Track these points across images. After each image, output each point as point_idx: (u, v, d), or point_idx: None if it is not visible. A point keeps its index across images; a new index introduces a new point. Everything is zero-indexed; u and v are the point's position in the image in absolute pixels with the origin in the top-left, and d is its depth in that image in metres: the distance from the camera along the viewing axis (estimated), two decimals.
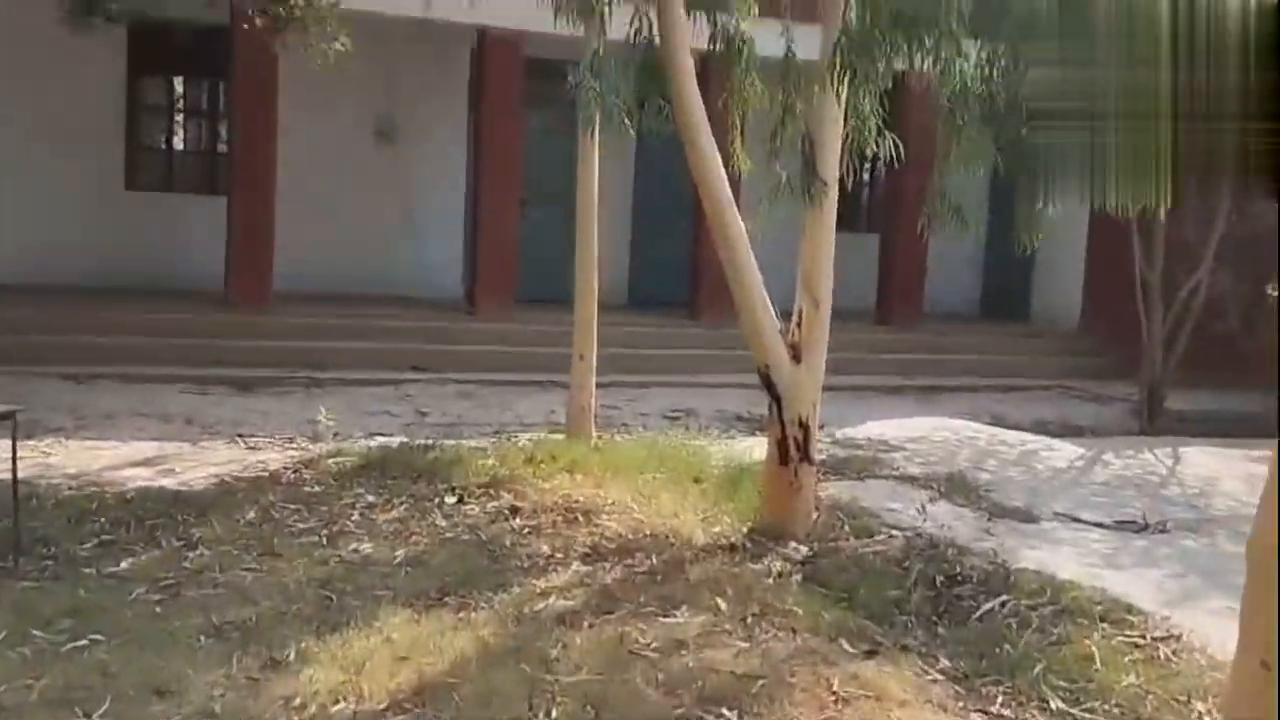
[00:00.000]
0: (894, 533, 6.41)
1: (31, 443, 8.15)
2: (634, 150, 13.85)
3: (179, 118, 13.78)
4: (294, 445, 8.53)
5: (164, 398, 9.81)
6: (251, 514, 6.18)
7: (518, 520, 6.31)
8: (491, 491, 6.79)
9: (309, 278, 12.79)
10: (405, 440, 8.59)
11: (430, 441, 8.39)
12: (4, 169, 11.97)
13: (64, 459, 7.70)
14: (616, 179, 13.32)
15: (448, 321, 12.25)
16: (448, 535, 5.95)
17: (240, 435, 8.79)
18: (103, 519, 5.98)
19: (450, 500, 6.64)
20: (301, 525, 6.04)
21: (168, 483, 6.98)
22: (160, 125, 13.62)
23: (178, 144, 13.78)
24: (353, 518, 6.22)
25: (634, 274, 14.52)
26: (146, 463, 7.56)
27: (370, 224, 13.48)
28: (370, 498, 6.58)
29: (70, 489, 6.60)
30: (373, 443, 8.64)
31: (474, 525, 6.17)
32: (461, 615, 4.76)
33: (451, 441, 8.75)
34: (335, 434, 8.84)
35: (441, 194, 13.69)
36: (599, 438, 8.58)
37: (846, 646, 4.68)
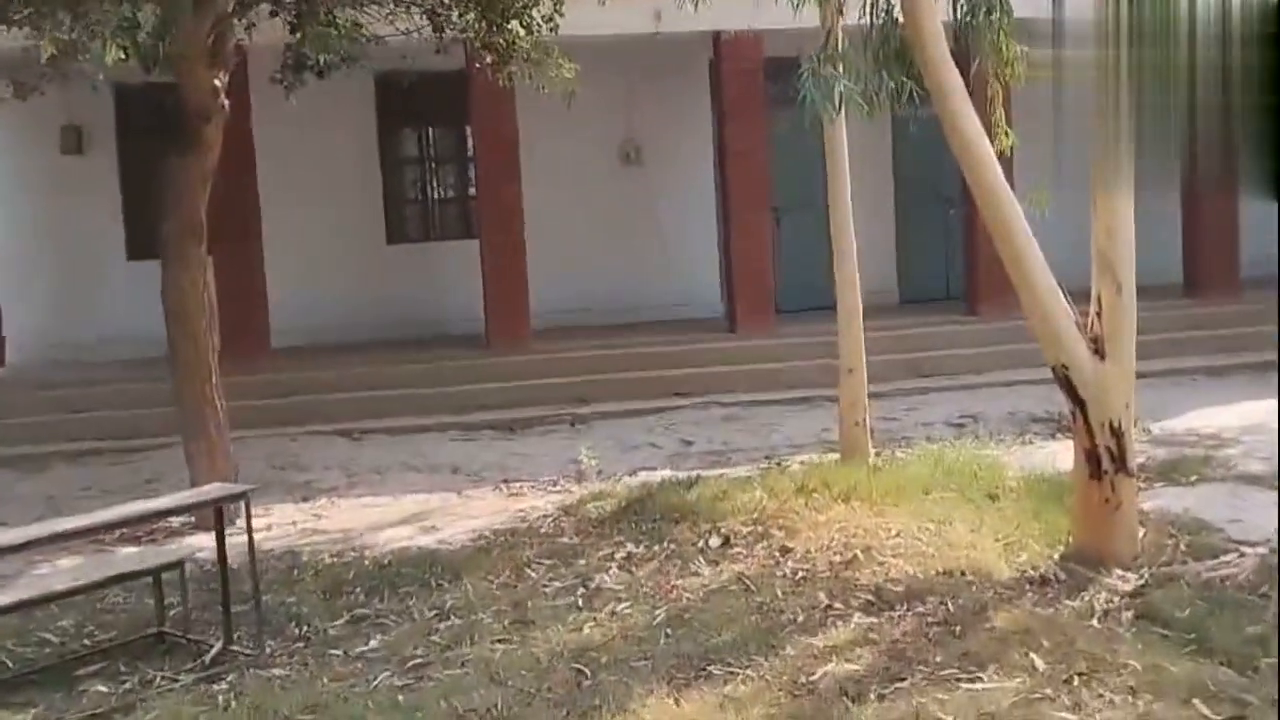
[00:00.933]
0: (1244, 550, 5.35)
1: (307, 505, 8.21)
2: (889, 140, 12.99)
3: (429, 166, 13.96)
4: (556, 487, 8.21)
5: (433, 447, 9.75)
6: (506, 573, 5.82)
7: (789, 564, 5.67)
8: (760, 530, 6.17)
9: (565, 311, 12.61)
10: (668, 475, 8.11)
11: (694, 475, 7.87)
12: (276, 236, 12.38)
13: (333, 520, 7.66)
14: (873, 173, 12.48)
15: (707, 342, 11.75)
16: (712, 587, 5.37)
17: (504, 481, 8.56)
18: (358, 589, 5.76)
19: (715, 543, 6.07)
20: (558, 584, 5.61)
21: (427, 541, 6.76)
22: (413, 176, 13.85)
23: (430, 193, 13.97)
24: (610, 571, 5.74)
25: (902, 271, 13.56)
26: (410, 520, 7.40)
27: (622, 249, 13.19)
28: (630, 546, 6.09)
29: (331, 557, 6.46)
30: (635, 478, 8.22)
31: (741, 573, 5.57)
32: (728, 689, 4.15)
33: (716, 472, 8.22)
34: (599, 472, 8.48)
35: (692, 210, 13.23)
36: (877, 455, 7.81)
37: (1204, 710, 3.77)
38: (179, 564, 4.96)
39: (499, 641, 4.87)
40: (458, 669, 4.59)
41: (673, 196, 13.38)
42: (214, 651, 4.80)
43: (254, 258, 11.39)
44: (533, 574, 5.78)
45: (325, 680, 4.52)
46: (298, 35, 7.80)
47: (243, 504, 7.58)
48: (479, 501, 7.92)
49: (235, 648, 4.84)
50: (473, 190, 13.02)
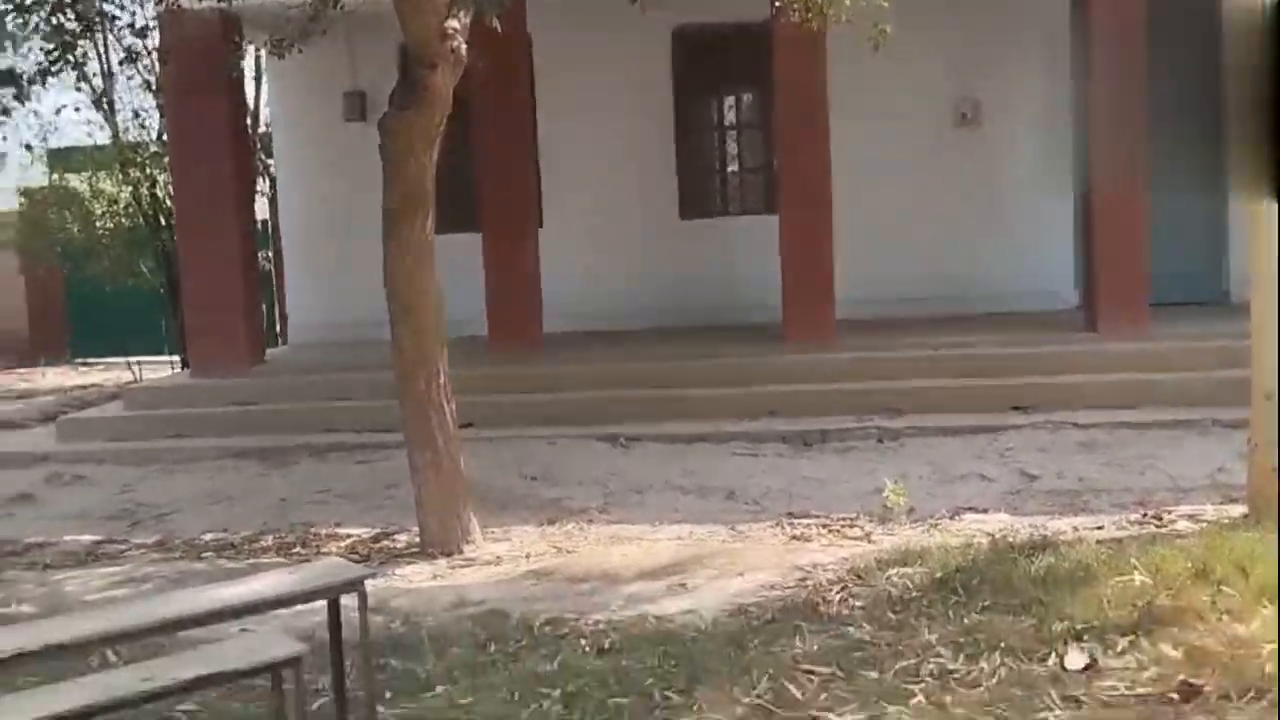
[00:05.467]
0: None
1: (551, 529, 6.84)
2: None
3: (729, 130, 12.32)
4: (853, 530, 6.42)
5: (709, 462, 8.14)
6: (762, 684, 4.10)
7: (1188, 707, 3.67)
8: (1142, 640, 4.18)
9: (879, 302, 10.68)
10: (1002, 526, 6.13)
11: (1039, 533, 5.87)
12: (553, 210, 11.17)
13: (573, 558, 6.22)
14: None
15: (1058, 343, 9.45)
16: None
17: (788, 515, 6.83)
18: (559, 688, 4.20)
19: (1075, 659, 4.12)
20: (832, 717, 3.84)
21: (674, 607, 5.15)
22: (711, 141, 12.25)
23: (730, 162, 12.33)
24: (914, 699, 3.90)
25: None
26: (661, 571, 5.81)
27: (950, 227, 11.07)
28: (943, 655, 4.22)
29: (543, 626, 4.96)
30: (956, 526, 6.32)
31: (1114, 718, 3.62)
32: None
33: (1068, 523, 6.18)
34: (909, 510, 6.62)
35: (1040, 181, 10.91)
36: None
37: None
38: (294, 661, 3.58)
39: None
40: None
41: (1015, 163, 11.12)
42: None
43: (526, 235, 10.18)
44: (796, 692, 4.03)
45: None
46: None
47: (473, 526, 6.59)
48: (752, 546, 6.24)
49: None
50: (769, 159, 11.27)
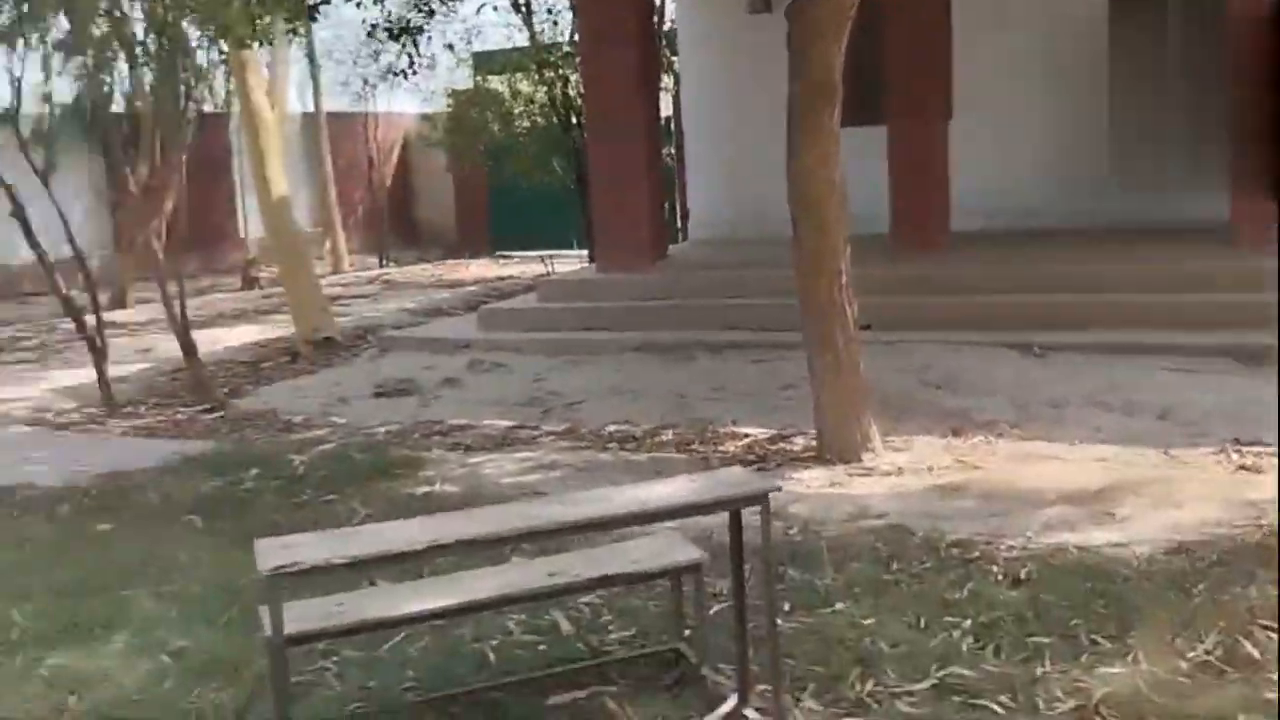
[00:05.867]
0: None
1: (957, 442, 6.43)
2: None
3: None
4: None
5: (1136, 378, 7.34)
6: (1210, 638, 3.57)
7: None
8: None
9: None
10: None
11: None
12: (966, 96, 10.43)
13: (983, 473, 5.80)
14: None
15: None
16: None
17: (1235, 442, 6.02)
18: (972, 618, 3.87)
19: None
20: None
21: (1100, 538, 4.64)
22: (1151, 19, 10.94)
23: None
24: None
25: None
26: (1084, 496, 5.27)
27: None
28: None
29: (952, 546, 4.61)
30: None
31: None
32: None
33: None
34: None
35: None
36: None
37: None
38: (695, 566, 3.47)
39: None
40: None
41: None
42: (724, 710, 3.26)
43: (935, 128, 9.56)
44: (1253, 650, 3.46)
45: None
46: None
47: (873, 433, 6.29)
48: (1191, 475, 5.54)
49: (751, 713, 3.26)
50: None
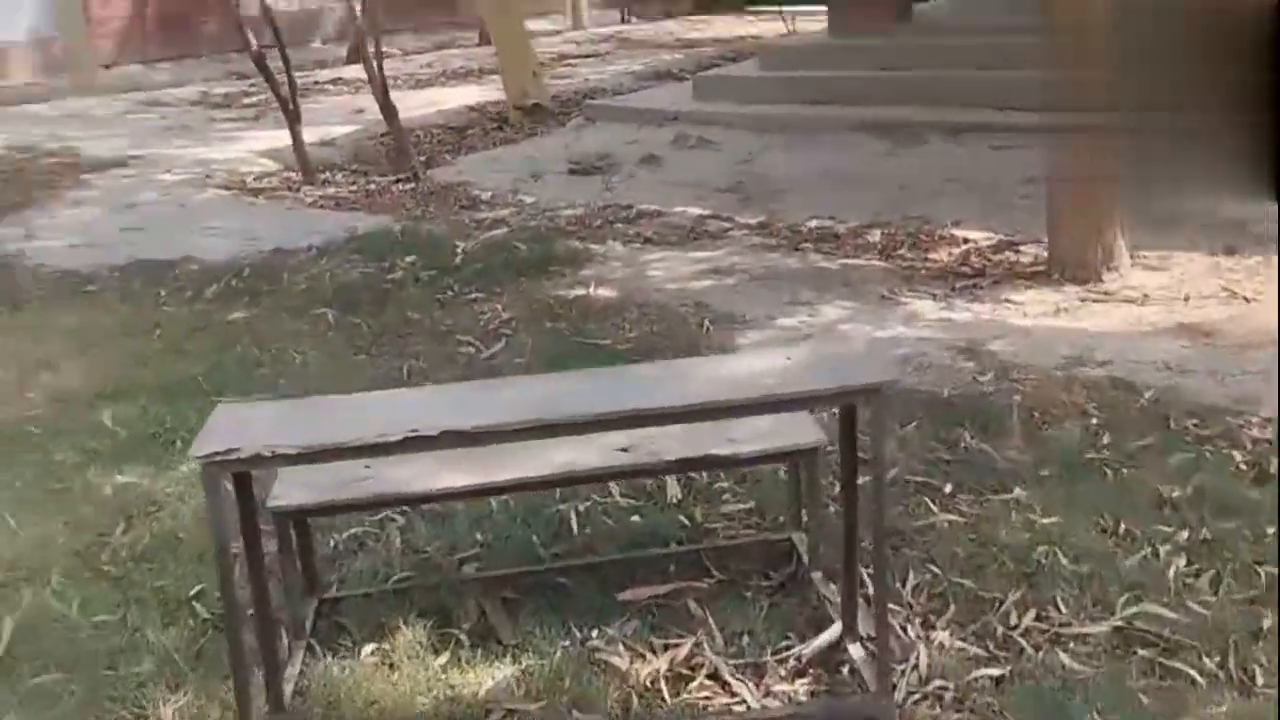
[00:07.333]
0: None
1: (1228, 262, 5.26)
2: None
3: None
4: None
5: None
6: None
7: None
8: None
9: None
10: None
11: None
12: None
13: (1251, 311, 4.67)
14: None
15: None
16: None
17: None
18: (1190, 528, 2.97)
19: None
20: None
21: None
22: None
23: None
24: None
25: None
26: None
27: None
28: None
29: (1187, 416, 3.62)
30: None
31: None
32: None
33: None
34: None
35: None
36: None
37: None
38: (812, 450, 2.71)
39: None
40: None
41: None
42: (824, 638, 2.56)
43: None
44: None
45: None
46: None
47: (1119, 248, 5.12)
48: None
49: (856, 650, 2.54)
50: None
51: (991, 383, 4.00)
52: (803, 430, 2.75)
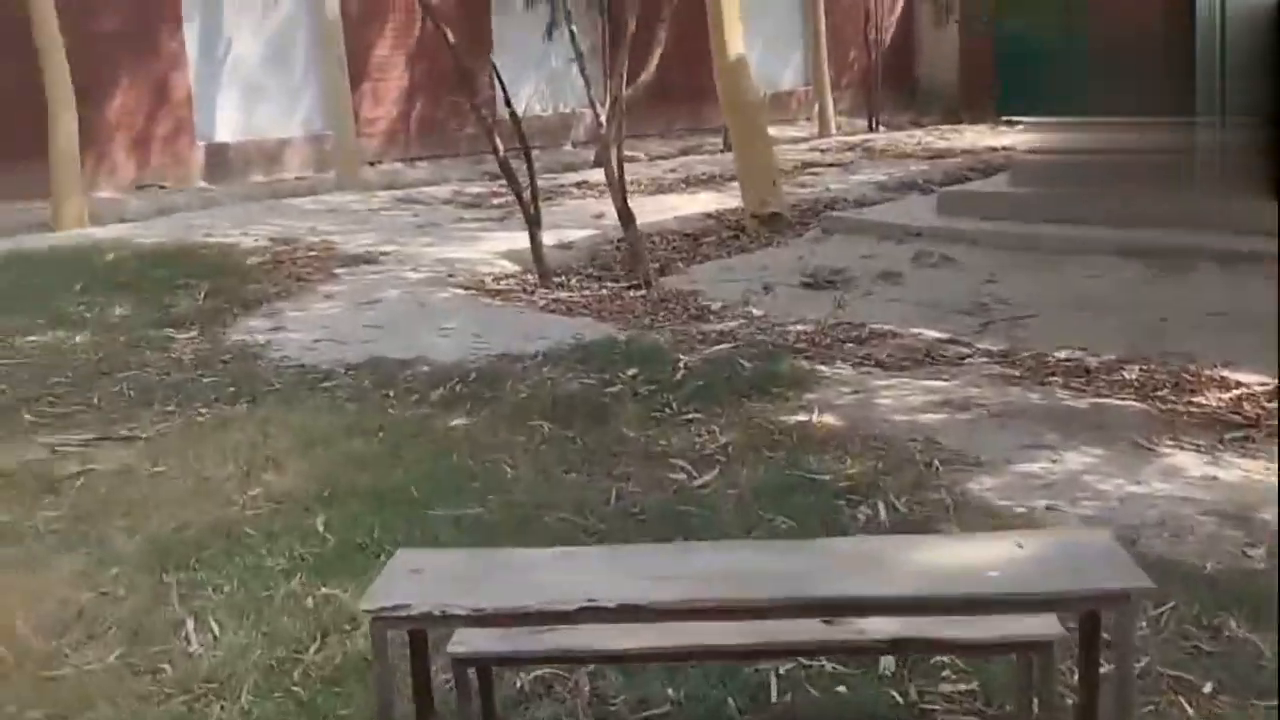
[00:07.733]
0: None
1: None
2: None
3: None
4: None
5: None
6: None
7: None
8: None
9: None
10: None
11: None
12: None
13: None
14: None
15: None
16: None
17: None
18: None
19: None
20: None
21: None
22: None
23: None
24: None
25: None
26: None
27: None
28: None
29: None
30: None
31: None
32: None
33: None
34: None
35: None
36: None
37: None
38: (1048, 644, 2.37)
39: None
40: None
41: None
42: None
43: None
44: None
45: None
46: None
47: None
48: None
49: None
50: None
51: (1264, 559, 3.50)
52: (1038, 619, 2.41)
